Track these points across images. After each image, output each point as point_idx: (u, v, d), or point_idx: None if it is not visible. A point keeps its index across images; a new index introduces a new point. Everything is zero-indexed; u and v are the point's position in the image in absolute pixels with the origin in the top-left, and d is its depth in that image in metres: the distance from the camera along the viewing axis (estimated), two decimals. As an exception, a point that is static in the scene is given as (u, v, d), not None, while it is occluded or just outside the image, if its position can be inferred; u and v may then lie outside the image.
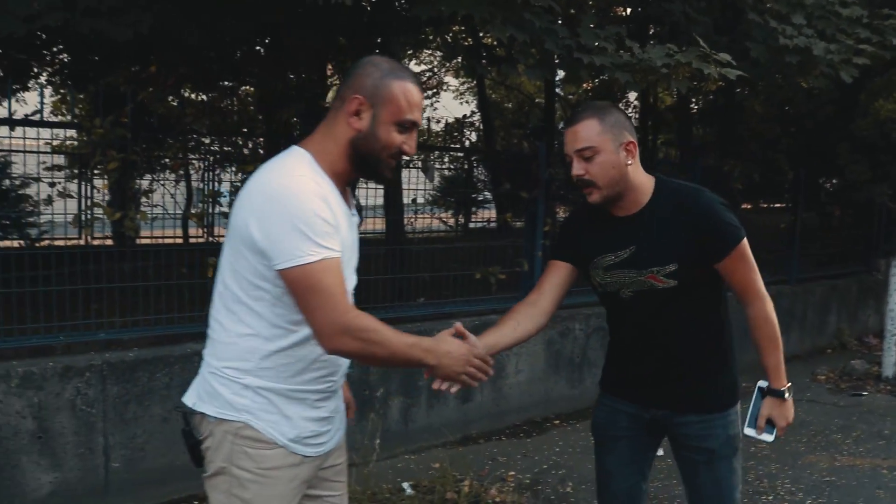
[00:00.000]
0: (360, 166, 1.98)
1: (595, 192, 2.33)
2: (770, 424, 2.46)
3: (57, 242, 5.57)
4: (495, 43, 7.12)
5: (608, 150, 2.29)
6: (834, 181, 10.27)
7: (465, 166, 7.79)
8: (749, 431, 2.45)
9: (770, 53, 5.89)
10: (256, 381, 1.95)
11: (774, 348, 2.41)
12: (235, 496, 1.97)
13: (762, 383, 2.48)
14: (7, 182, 7.18)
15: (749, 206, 9.32)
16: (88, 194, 5.12)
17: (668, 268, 2.33)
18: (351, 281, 2.08)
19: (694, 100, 12.06)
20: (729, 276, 2.36)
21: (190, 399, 2.05)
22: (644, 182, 2.38)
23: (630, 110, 16.93)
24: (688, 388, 2.44)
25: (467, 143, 12.99)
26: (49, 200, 4.49)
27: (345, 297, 1.87)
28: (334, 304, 1.83)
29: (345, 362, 2.08)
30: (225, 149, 5.72)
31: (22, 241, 6.50)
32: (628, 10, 9.61)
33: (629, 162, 2.32)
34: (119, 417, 4.06)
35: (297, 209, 1.80)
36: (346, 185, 2.04)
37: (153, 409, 4.15)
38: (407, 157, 2.03)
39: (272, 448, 1.97)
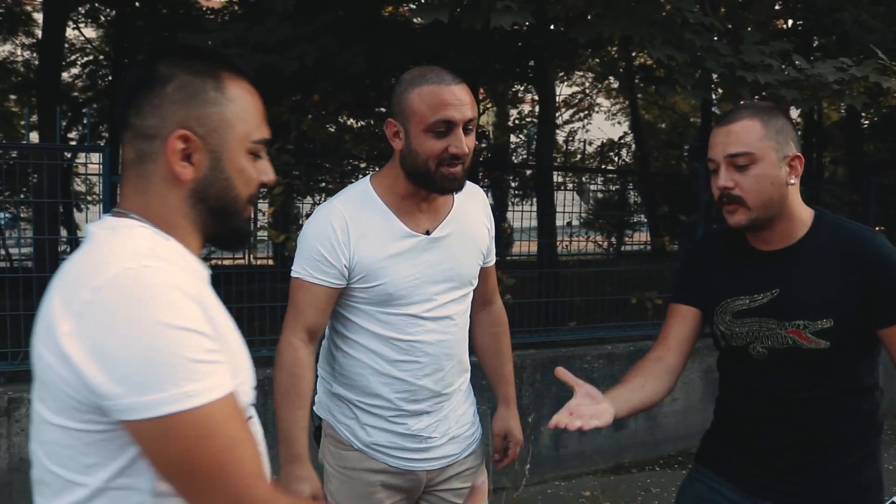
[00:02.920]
0: (420, 183, 1.96)
1: (741, 211, 1.83)
2: None
3: (224, 262, 5.89)
4: (652, 63, 6.97)
5: (769, 160, 1.80)
6: None
7: (619, 188, 7.66)
8: None
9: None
10: (338, 387, 2.09)
11: None
12: (326, 486, 2.10)
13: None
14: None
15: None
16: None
17: (822, 324, 1.81)
18: (440, 298, 2.05)
19: (865, 114, 11.33)
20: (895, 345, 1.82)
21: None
22: (801, 212, 1.89)
23: (793, 128, 16.12)
24: (820, 480, 1.88)
25: (620, 163, 12.76)
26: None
27: (299, 323, 1.99)
28: (292, 320, 2.00)
29: (441, 387, 2.08)
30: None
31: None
32: (790, 23, 9.18)
33: (791, 181, 1.84)
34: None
35: (306, 229, 2.02)
36: (422, 202, 2.02)
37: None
38: (459, 158, 1.92)
39: (348, 450, 2.08)
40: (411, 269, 2.00)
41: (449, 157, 1.90)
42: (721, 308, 1.96)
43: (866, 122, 11.91)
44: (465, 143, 1.90)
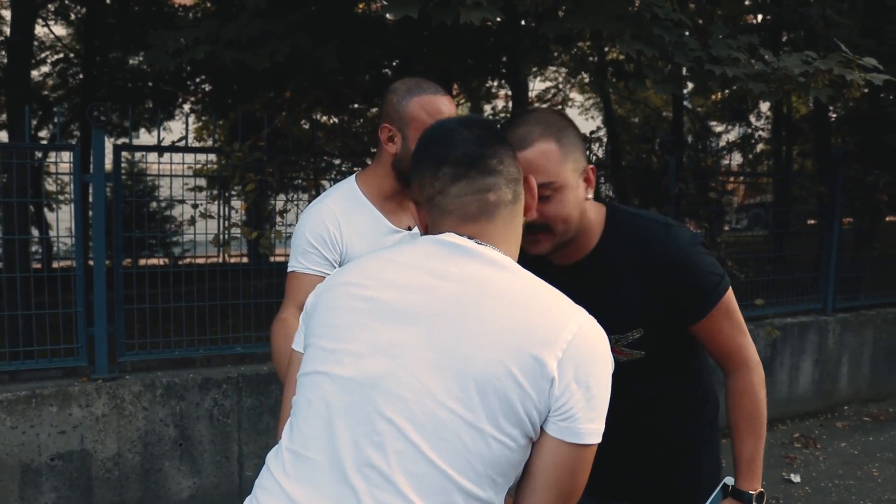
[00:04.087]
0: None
1: (547, 239, 1.67)
2: None
3: (198, 260, 5.87)
4: (622, 58, 7.03)
5: (570, 184, 1.65)
6: None
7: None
8: None
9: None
10: None
11: (754, 434, 1.76)
12: None
13: (728, 480, 1.82)
14: (154, 204, 7.64)
15: (897, 220, 8.75)
16: (227, 215, 5.37)
17: (632, 335, 1.75)
18: None
19: (832, 107, 11.49)
20: (708, 339, 1.77)
21: None
22: (594, 218, 1.75)
23: (763, 121, 16.31)
24: (658, 475, 1.89)
25: (594, 158, 12.82)
26: (192, 221, 4.75)
27: (290, 303, 2.11)
28: (284, 304, 2.13)
29: None
30: (355, 169, 5.89)
31: (166, 259, 6.89)
32: (759, 18, 9.29)
33: (589, 195, 1.71)
34: (253, 428, 4.22)
35: (298, 228, 2.16)
36: (404, 200, 2.18)
37: (286, 422, 4.29)
38: None
39: None
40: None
41: None
42: None
43: (834, 115, 12.08)
44: None
